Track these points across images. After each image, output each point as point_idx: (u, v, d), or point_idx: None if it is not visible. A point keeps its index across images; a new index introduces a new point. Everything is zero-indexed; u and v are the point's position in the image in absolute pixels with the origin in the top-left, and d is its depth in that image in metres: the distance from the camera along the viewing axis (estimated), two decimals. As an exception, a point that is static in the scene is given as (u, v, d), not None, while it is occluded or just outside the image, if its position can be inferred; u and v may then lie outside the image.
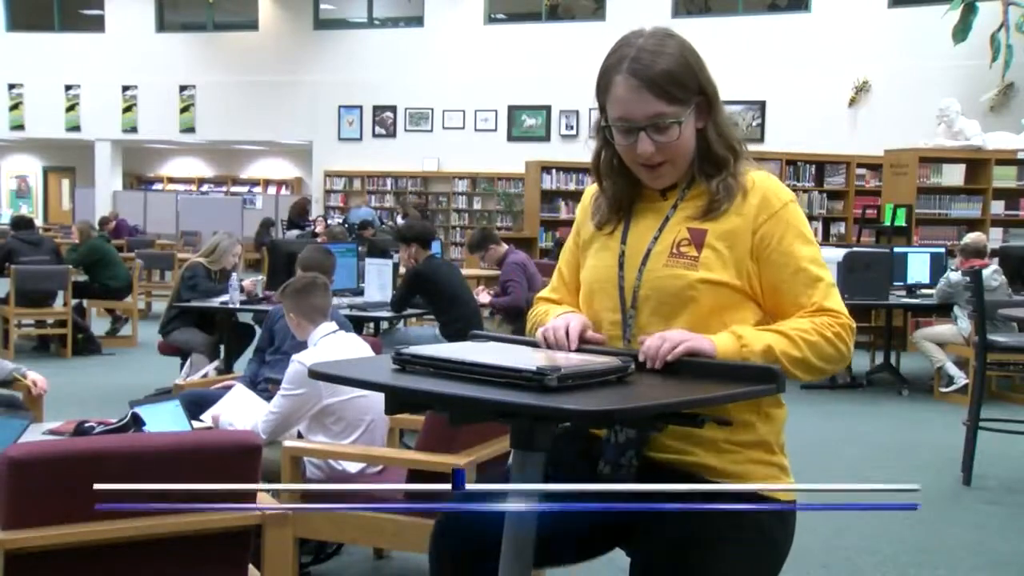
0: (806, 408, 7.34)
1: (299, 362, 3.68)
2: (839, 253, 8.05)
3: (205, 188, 24.89)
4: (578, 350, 1.81)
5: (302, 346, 4.77)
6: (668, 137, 1.84)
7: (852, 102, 15.59)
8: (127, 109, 20.76)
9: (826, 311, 1.83)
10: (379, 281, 6.93)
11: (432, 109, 18.62)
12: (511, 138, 18.15)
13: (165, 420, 3.17)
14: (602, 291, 1.94)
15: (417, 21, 18.91)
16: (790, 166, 12.61)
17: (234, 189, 24.51)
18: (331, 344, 3.91)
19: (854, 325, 1.85)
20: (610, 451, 1.86)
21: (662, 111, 1.82)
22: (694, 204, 1.90)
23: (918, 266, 8.60)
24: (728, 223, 1.86)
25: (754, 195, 1.87)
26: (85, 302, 9.93)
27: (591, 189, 2.06)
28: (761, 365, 1.73)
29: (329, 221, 16.06)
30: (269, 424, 3.73)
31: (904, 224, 10.37)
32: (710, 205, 1.87)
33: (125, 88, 20.62)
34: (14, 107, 21.49)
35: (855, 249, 8.67)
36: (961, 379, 7.72)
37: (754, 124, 16.17)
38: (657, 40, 1.85)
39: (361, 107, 19.14)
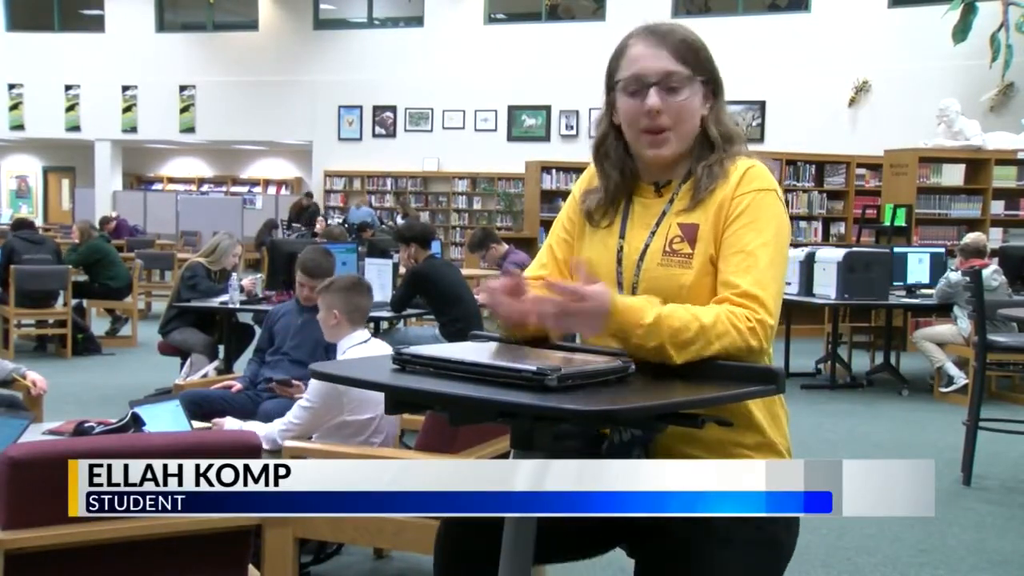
0: (806, 408, 7.34)
1: None
2: (839, 253, 8.05)
3: (205, 188, 24.88)
4: (577, 350, 1.81)
5: (303, 347, 4.77)
6: (678, 97, 1.86)
7: (852, 102, 15.58)
8: (127, 109, 20.75)
9: (748, 298, 1.76)
10: (379, 281, 6.92)
11: (432, 109, 18.61)
12: (511, 138, 18.14)
13: (165, 420, 3.17)
14: None
15: (417, 21, 18.91)
16: (790, 166, 12.61)
17: (234, 189, 24.50)
18: (359, 355, 3.75)
19: (774, 323, 1.76)
20: (614, 451, 1.85)
21: (675, 69, 1.86)
22: (686, 198, 1.90)
23: (918, 266, 8.60)
24: (714, 204, 1.86)
25: (738, 175, 1.88)
26: (85, 302, 9.93)
27: (592, 169, 2.04)
28: (762, 366, 1.72)
29: (329, 221, 16.05)
30: (288, 433, 3.71)
31: (904, 224, 10.37)
32: (695, 192, 1.88)
33: (125, 88, 20.61)
34: (14, 107, 21.48)
35: (855, 249, 8.67)
36: (961, 379, 7.72)
37: (754, 124, 16.16)
38: (673, 23, 1.95)
39: (361, 107, 19.13)
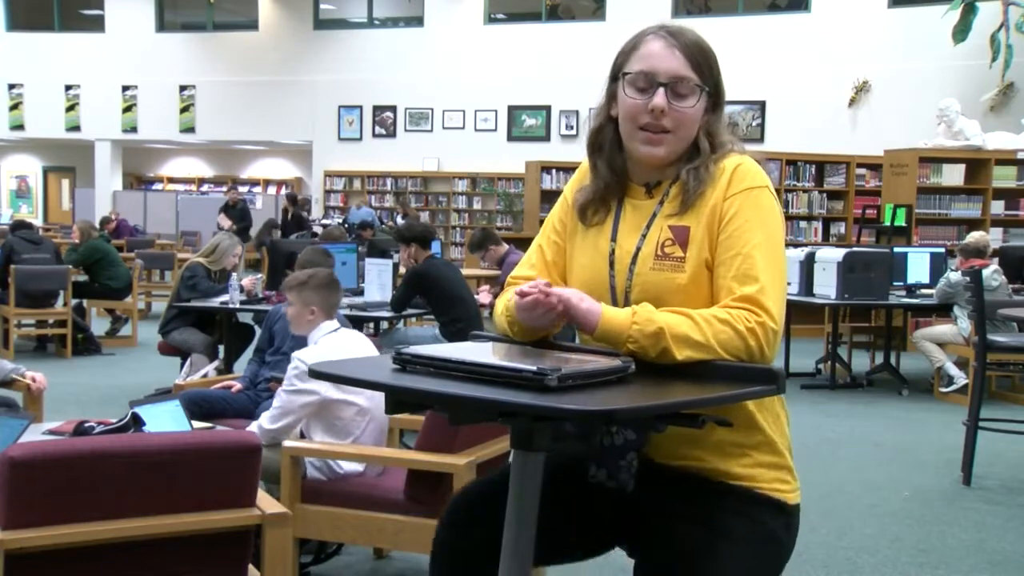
0: (806, 408, 7.34)
1: (300, 360, 3.69)
2: (839, 253, 8.05)
3: (205, 188, 24.88)
4: (577, 350, 1.81)
5: (302, 346, 4.78)
6: (683, 104, 1.85)
7: (852, 102, 15.59)
8: (127, 109, 20.76)
9: (749, 302, 1.75)
10: (379, 281, 6.92)
11: (432, 109, 18.62)
12: (511, 138, 18.15)
13: (165, 420, 3.16)
14: (594, 293, 1.90)
15: (417, 21, 18.92)
16: (790, 166, 12.62)
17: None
18: (332, 342, 3.93)
19: (777, 328, 1.75)
20: (607, 455, 1.84)
21: (686, 75, 1.85)
22: (676, 201, 1.89)
23: (918, 266, 8.60)
24: (706, 207, 1.85)
25: (727, 175, 1.86)
26: (85, 302, 9.93)
27: (584, 166, 2.03)
28: (762, 367, 1.72)
29: (325, 221, 16.03)
30: (271, 418, 3.76)
31: (904, 224, 10.37)
32: (684, 196, 1.87)
33: (125, 88, 20.62)
34: (14, 107, 21.49)
35: (855, 249, 8.66)
36: (961, 379, 7.72)
37: (754, 124, 16.17)
38: (683, 25, 1.94)
39: (361, 107, 19.14)
